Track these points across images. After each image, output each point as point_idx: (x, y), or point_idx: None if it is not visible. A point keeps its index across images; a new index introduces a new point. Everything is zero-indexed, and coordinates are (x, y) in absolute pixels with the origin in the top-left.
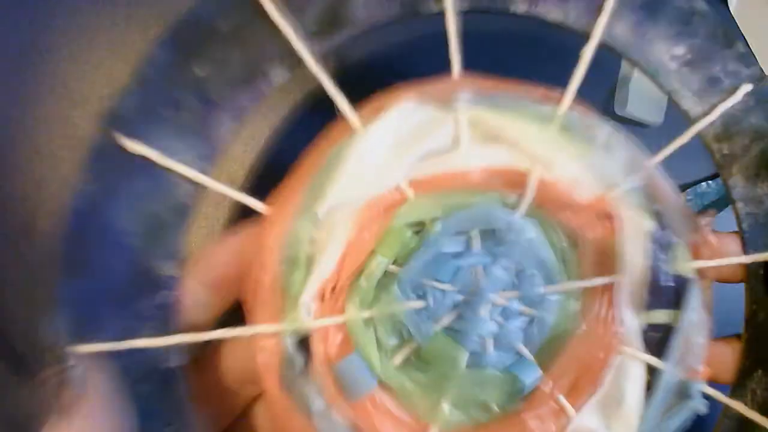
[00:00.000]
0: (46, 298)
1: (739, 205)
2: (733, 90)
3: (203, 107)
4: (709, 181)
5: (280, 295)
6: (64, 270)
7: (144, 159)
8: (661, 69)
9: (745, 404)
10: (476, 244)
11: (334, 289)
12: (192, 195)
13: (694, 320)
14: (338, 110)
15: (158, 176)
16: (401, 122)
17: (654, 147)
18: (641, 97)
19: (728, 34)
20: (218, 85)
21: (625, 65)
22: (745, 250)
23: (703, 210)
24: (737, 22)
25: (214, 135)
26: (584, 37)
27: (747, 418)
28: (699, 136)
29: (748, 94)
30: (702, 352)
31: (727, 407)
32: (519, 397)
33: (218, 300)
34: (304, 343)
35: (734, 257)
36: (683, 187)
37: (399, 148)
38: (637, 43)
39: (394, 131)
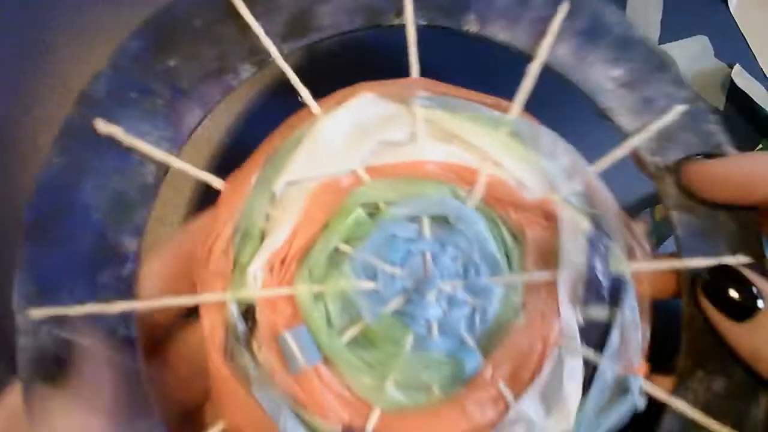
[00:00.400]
0: None
1: (674, 213)
2: (667, 109)
3: (173, 95)
4: None
5: (230, 266)
6: (30, 238)
7: (113, 139)
8: (599, 89)
9: (688, 403)
10: (427, 230)
11: (284, 261)
12: (157, 176)
13: (630, 317)
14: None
15: (126, 156)
16: (360, 113)
17: None
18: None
19: (664, 60)
20: (189, 76)
21: None
22: (681, 256)
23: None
24: (737, 22)
25: (181, 122)
26: (529, 58)
27: (689, 417)
28: (634, 150)
29: (683, 114)
30: (639, 349)
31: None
32: (460, 381)
33: (180, 287)
34: (252, 314)
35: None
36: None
37: (357, 136)
38: (577, 65)
39: (353, 120)
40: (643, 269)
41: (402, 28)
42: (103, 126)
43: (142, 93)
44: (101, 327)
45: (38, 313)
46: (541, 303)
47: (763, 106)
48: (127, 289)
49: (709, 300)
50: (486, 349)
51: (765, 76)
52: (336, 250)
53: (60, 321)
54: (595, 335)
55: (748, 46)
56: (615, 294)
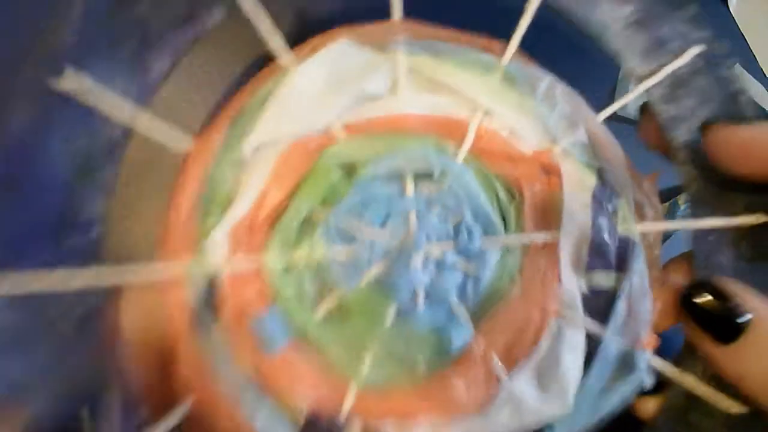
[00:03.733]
0: None
1: (685, 168)
2: (682, 52)
3: (140, 44)
4: None
5: (194, 235)
6: None
7: (77, 93)
8: (605, 30)
9: (696, 377)
10: (410, 189)
11: (251, 228)
12: (123, 131)
13: (639, 285)
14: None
15: (90, 110)
16: (336, 62)
17: None
18: (642, 97)
19: None
20: (157, 22)
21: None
22: (693, 211)
23: None
24: (737, 22)
25: (149, 73)
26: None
27: (695, 392)
28: (647, 97)
29: (697, 56)
30: (647, 320)
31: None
32: (448, 357)
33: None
34: (216, 286)
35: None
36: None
37: (332, 89)
38: (580, 2)
39: (328, 71)
40: (653, 230)
41: None
42: (68, 79)
43: (107, 42)
44: (57, 296)
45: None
46: (540, 268)
47: (763, 106)
48: (93, 255)
49: (692, 318)
50: (478, 321)
51: (765, 76)
52: (309, 214)
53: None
54: (599, 305)
55: (748, 46)
56: (622, 258)
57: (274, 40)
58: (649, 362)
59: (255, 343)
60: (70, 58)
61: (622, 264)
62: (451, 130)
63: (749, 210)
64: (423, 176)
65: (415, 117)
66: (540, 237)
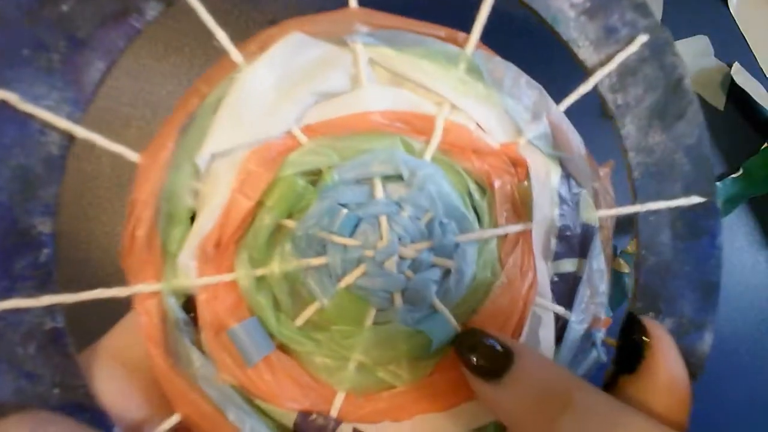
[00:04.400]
0: None
1: (631, 154)
2: (630, 40)
3: (70, 47)
4: (716, 183)
5: (159, 252)
6: None
7: (7, 106)
8: (561, 16)
9: None
10: (379, 192)
11: (218, 245)
12: (62, 146)
13: (597, 269)
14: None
15: (23, 125)
16: (289, 59)
17: None
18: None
19: None
20: (86, 21)
21: None
22: (636, 199)
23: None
24: (737, 22)
25: (83, 78)
26: None
27: None
28: (594, 87)
29: (643, 45)
30: (604, 301)
31: None
32: (431, 354)
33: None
34: (190, 303)
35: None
36: None
37: (288, 88)
38: None
39: (281, 69)
40: (609, 215)
41: None
42: None
43: (33, 48)
44: (18, 320)
45: None
46: (518, 259)
47: (763, 106)
48: (47, 276)
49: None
50: (464, 316)
51: (765, 75)
52: (277, 225)
53: None
54: (564, 288)
55: (748, 46)
56: (584, 244)
57: (221, 36)
58: (603, 339)
59: (236, 355)
60: None
61: (583, 250)
62: (417, 126)
63: (685, 193)
64: (392, 177)
65: (378, 114)
66: (514, 229)
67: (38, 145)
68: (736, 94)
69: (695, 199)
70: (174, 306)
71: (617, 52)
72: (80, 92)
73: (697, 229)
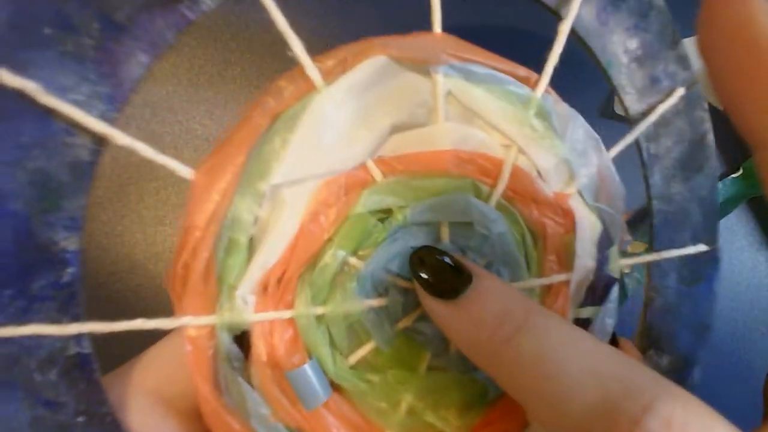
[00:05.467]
0: None
1: (654, 202)
2: (669, 91)
3: (105, 31)
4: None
5: (215, 283)
6: None
7: (24, 97)
8: (614, 61)
9: None
10: (445, 236)
11: (280, 280)
12: (93, 150)
13: (609, 320)
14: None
15: (45, 121)
16: (373, 84)
17: None
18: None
19: (675, 33)
20: (127, 2)
21: None
22: (654, 244)
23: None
24: None
25: (121, 71)
26: (557, 16)
27: None
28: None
29: (680, 98)
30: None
31: None
32: (483, 402)
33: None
34: (243, 338)
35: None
36: None
37: (367, 117)
38: (598, 30)
39: (363, 94)
40: (627, 264)
41: None
42: (8, 78)
43: (59, 28)
44: (38, 344)
45: None
46: (557, 308)
47: None
48: (70, 298)
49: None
50: None
51: None
52: (343, 263)
53: None
54: None
55: None
56: (604, 293)
57: (297, 47)
58: None
59: (292, 396)
60: (8, 49)
61: (603, 298)
62: (485, 169)
63: (693, 242)
64: (458, 222)
65: (451, 154)
66: (558, 278)
67: (64, 147)
68: None
69: (702, 248)
70: (227, 341)
71: (658, 102)
72: (117, 88)
73: (698, 275)
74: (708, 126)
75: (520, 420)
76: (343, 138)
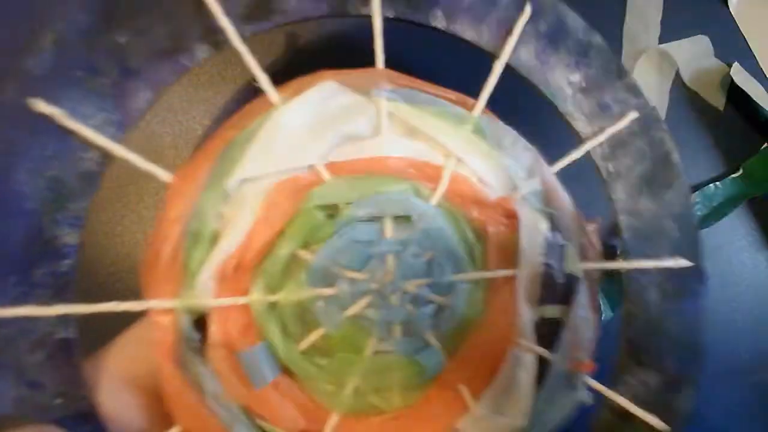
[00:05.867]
0: None
1: (622, 217)
2: (621, 116)
3: (120, 74)
4: (717, 183)
5: (180, 270)
6: None
7: (51, 121)
8: (559, 93)
9: (623, 396)
10: (389, 232)
11: (238, 268)
12: (100, 162)
13: (582, 316)
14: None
15: (65, 140)
16: (321, 103)
17: None
18: None
19: (620, 67)
20: (138, 54)
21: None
22: (627, 257)
23: (710, 213)
24: (737, 22)
25: (128, 103)
26: (493, 58)
27: (625, 409)
28: (588, 154)
29: (634, 121)
30: (589, 347)
31: (606, 399)
32: (422, 382)
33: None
34: (200, 323)
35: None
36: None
37: (317, 128)
38: (539, 68)
39: (313, 110)
40: (594, 268)
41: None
42: (43, 107)
43: (87, 71)
44: (29, 327)
45: None
46: (503, 300)
47: (763, 106)
48: (65, 286)
49: None
50: (449, 349)
51: (765, 76)
52: (293, 254)
53: None
54: (547, 333)
55: (748, 46)
56: (568, 293)
57: (262, 78)
58: (587, 383)
59: (243, 376)
60: (42, 87)
61: (567, 298)
62: (427, 173)
63: (672, 256)
64: (400, 217)
65: (395, 160)
66: (502, 273)
67: (78, 160)
68: (735, 94)
69: (682, 262)
70: (186, 324)
71: (609, 126)
72: (126, 116)
73: (682, 289)
74: (671, 146)
75: (456, 397)
76: (297, 145)
